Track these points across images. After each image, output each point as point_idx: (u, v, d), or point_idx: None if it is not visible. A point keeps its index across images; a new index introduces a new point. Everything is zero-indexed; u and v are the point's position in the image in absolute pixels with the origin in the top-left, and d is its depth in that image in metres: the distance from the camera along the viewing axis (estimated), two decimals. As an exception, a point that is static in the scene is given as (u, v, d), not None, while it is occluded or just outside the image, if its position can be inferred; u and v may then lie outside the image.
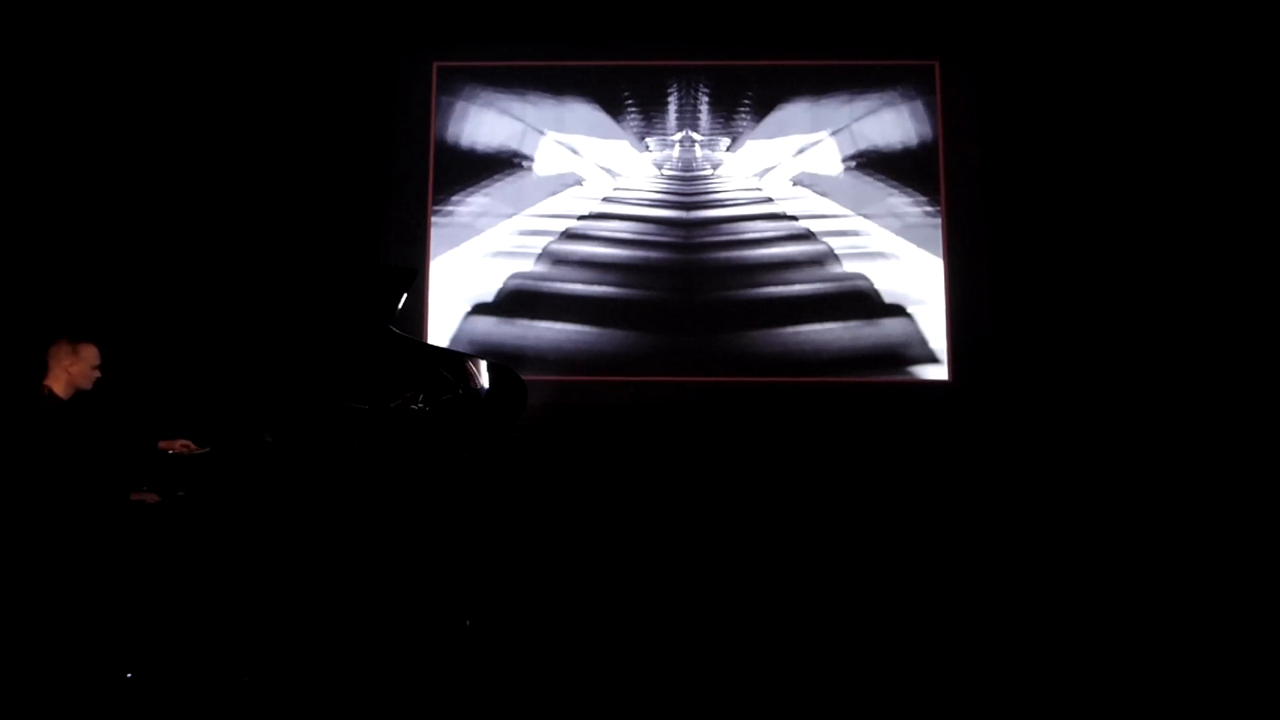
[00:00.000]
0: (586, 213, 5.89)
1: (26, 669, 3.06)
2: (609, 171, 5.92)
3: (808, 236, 5.84)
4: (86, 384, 3.33)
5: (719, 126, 5.93)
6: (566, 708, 3.29)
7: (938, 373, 5.71)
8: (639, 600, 4.41)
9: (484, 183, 5.88)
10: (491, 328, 5.78)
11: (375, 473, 3.80)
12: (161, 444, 3.57)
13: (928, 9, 5.84)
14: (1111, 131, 5.61)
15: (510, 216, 5.87)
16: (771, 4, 5.84)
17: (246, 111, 5.63)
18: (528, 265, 5.83)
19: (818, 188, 5.88)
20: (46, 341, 3.34)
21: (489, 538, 4.65)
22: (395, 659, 3.59)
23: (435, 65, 5.94)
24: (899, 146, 5.86)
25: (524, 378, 4.38)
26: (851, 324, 5.75)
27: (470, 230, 5.86)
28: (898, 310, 5.76)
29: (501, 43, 5.92)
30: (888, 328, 5.75)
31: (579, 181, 5.92)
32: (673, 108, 5.94)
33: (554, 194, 5.90)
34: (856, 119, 5.90)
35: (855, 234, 5.83)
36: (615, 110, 5.93)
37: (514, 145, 5.91)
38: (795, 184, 5.89)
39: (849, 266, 5.80)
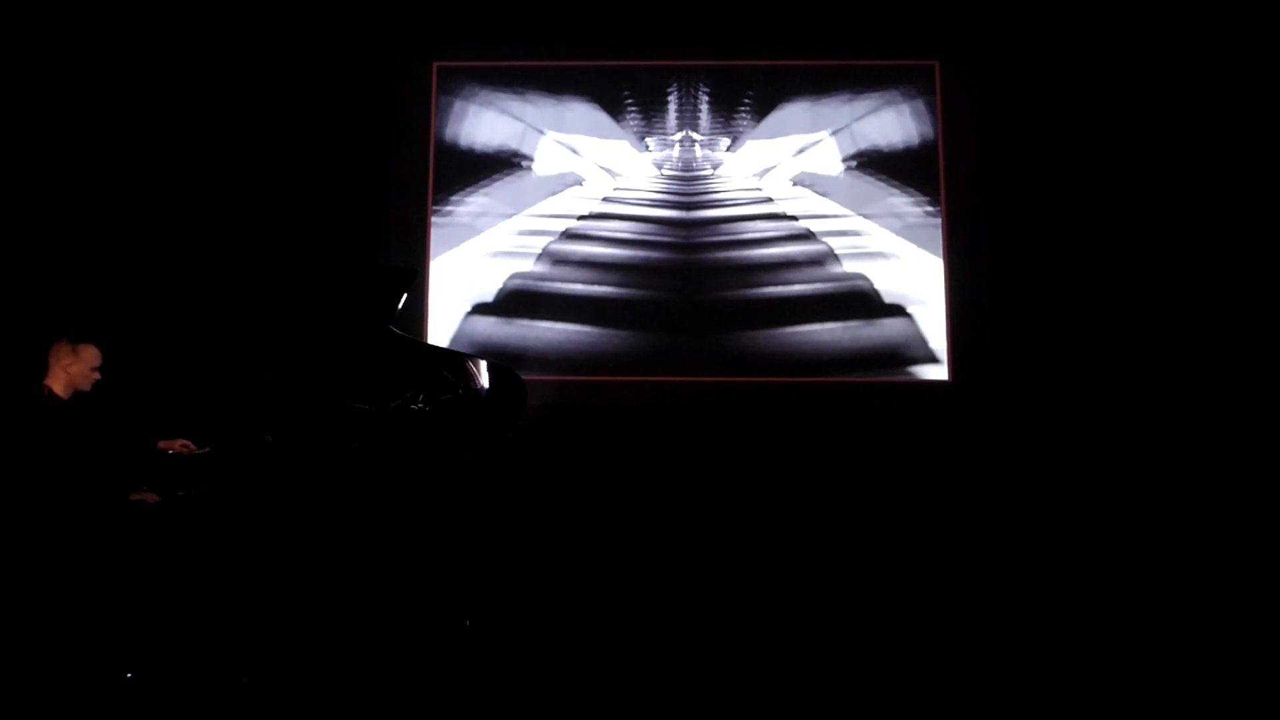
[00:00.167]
0: (586, 213, 5.89)
1: (26, 669, 3.06)
2: (609, 171, 5.92)
3: (808, 236, 5.84)
4: (85, 385, 3.33)
5: (719, 126, 5.93)
6: (566, 708, 3.29)
7: (938, 373, 5.71)
8: (639, 600, 4.41)
9: (484, 183, 5.88)
10: (491, 328, 5.78)
11: (375, 473, 3.80)
12: (161, 444, 3.57)
13: (928, 9, 5.84)
14: (1111, 131, 5.61)
15: (510, 216, 5.87)
16: (771, 4, 5.84)
17: (247, 112, 5.63)
18: (528, 265, 5.83)
19: (818, 188, 5.88)
20: (47, 341, 3.34)
21: (489, 538, 4.65)
22: (395, 659, 3.58)
23: (435, 65, 5.94)
24: (899, 146, 5.86)
25: (524, 378, 4.39)
26: (851, 324, 5.75)
27: (470, 230, 5.86)
28: (898, 310, 5.76)
29: (501, 43, 5.93)
30: (888, 328, 5.75)
31: (579, 181, 5.92)
32: (673, 108, 5.94)
33: (554, 194, 5.90)
34: (857, 119, 5.90)
35: (855, 234, 5.83)
36: (615, 110, 5.93)
37: (514, 145, 5.91)
38: (795, 184, 5.89)
39: (849, 266, 5.80)
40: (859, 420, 5.62)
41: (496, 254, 5.84)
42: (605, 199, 5.91)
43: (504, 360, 5.13)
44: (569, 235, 5.86)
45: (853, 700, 3.35)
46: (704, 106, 5.93)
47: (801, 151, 5.90)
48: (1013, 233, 5.68)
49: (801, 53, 5.93)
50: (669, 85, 5.94)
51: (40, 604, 3.08)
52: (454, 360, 4.29)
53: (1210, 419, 5.25)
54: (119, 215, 5.45)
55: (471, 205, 5.87)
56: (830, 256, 5.81)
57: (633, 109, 5.93)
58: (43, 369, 3.30)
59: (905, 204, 5.83)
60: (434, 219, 5.85)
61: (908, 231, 5.81)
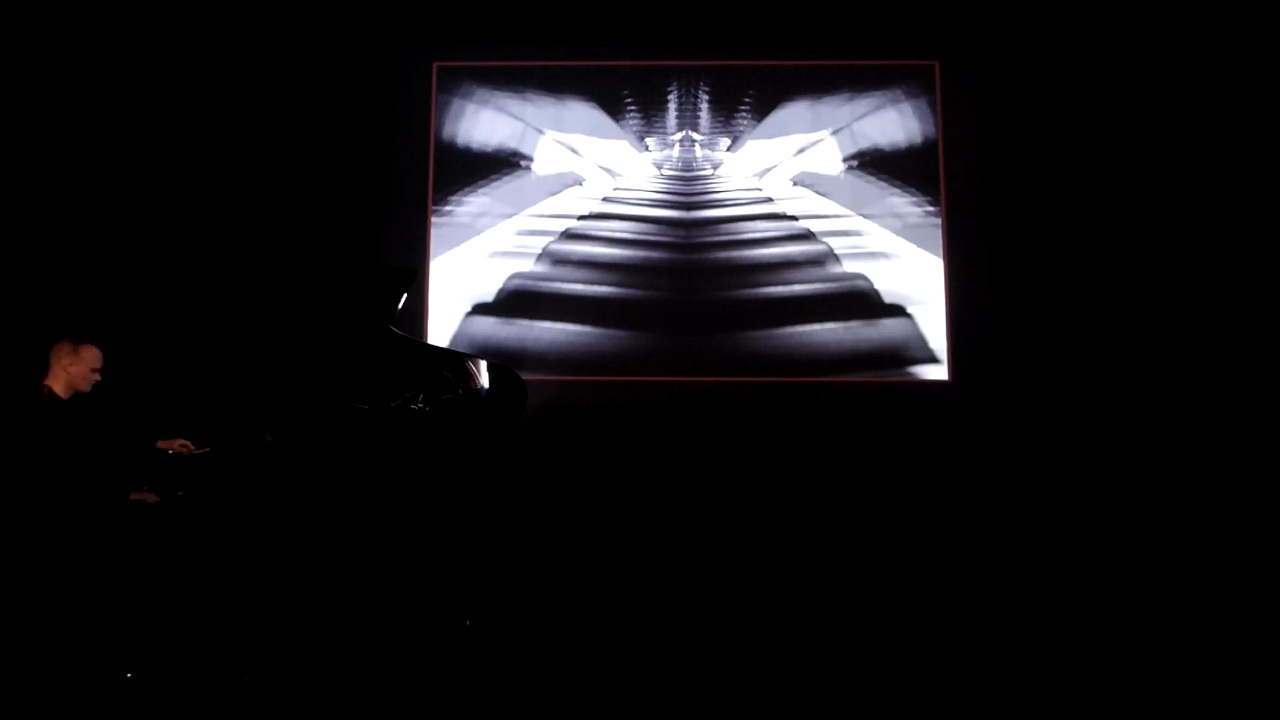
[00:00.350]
0: (586, 213, 5.89)
1: (26, 669, 3.06)
2: (609, 171, 5.92)
3: (808, 236, 5.84)
4: (85, 386, 3.33)
5: (719, 126, 5.93)
6: (566, 708, 3.29)
7: (938, 373, 5.71)
8: (639, 600, 4.41)
9: (484, 183, 5.88)
10: (491, 328, 5.78)
11: (375, 473, 3.80)
12: (161, 444, 3.57)
13: (928, 9, 5.84)
14: (1112, 131, 5.61)
15: (510, 216, 5.87)
16: (771, 4, 5.84)
17: (247, 112, 5.63)
18: (528, 265, 5.83)
19: (818, 188, 5.88)
20: (48, 341, 3.34)
21: (489, 538, 4.65)
22: (395, 659, 3.58)
23: (435, 65, 5.94)
24: (900, 145, 5.86)
25: (524, 378, 4.38)
26: (851, 324, 5.75)
27: (470, 230, 5.86)
28: (898, 310, 5.76)
29: (501, 43, 5.93)
30: (888, 328, 5.75)
31: (579, 181, 5.92)
32: (673, 108, 5.94)
33: (554, 194, 5.90)
34: (857, 118, 5.90)
35: (855, 234, 5.83)
36: (615, 110, 5.93)
37: (514, 145, 5.91)
38: (795, 184, 5.89)
39: (849, 266, 5.80)
40: (859, 420, 5.62)
41: (496, 254, 5.84)
42: (605, 199, 5.91)
43: (504, 360, 5.13)
44: (569, 235, 5.86)
45: (853, 700, 3.34)
46: (704, 106, 5.93)
47: (801, 151, 5.90)
48: (1013, 233, 5.68)
49: (801, 53, 5.93)
50: (669, 85, 5.94)
51: (40, 604, 3.08)
52: (454, 360, 4.29)
53: (1210, 419, 5.25)
54: (119, 215, 5.45)
55: (471, 205, 5.87)
56: (830, 256, 5.81)
57: (633, 109, 5.93)
58: (43, 369, 3.30)
59: (905, 204, 5.83)
60: (434, 219, 5.85)
61: (908, 231, 5.81)
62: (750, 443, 5.58)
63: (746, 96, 5.93)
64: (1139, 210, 5.54)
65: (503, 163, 5.90)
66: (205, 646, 3.37)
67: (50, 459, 3.15)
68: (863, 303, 5.77)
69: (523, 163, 5.91)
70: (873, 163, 5.86)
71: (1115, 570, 4.67)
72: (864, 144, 5.87)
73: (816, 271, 5.80)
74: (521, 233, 5.86)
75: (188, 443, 3.61)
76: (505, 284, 5.81)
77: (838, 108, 5.90)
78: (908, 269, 5.78)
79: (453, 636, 3.80)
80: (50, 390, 3.26)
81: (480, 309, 5.80)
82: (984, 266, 5.73)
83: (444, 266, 5.83)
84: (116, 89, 5.48)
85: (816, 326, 5.74)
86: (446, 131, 5.91)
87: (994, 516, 5.26)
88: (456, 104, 5.92)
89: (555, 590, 4.54)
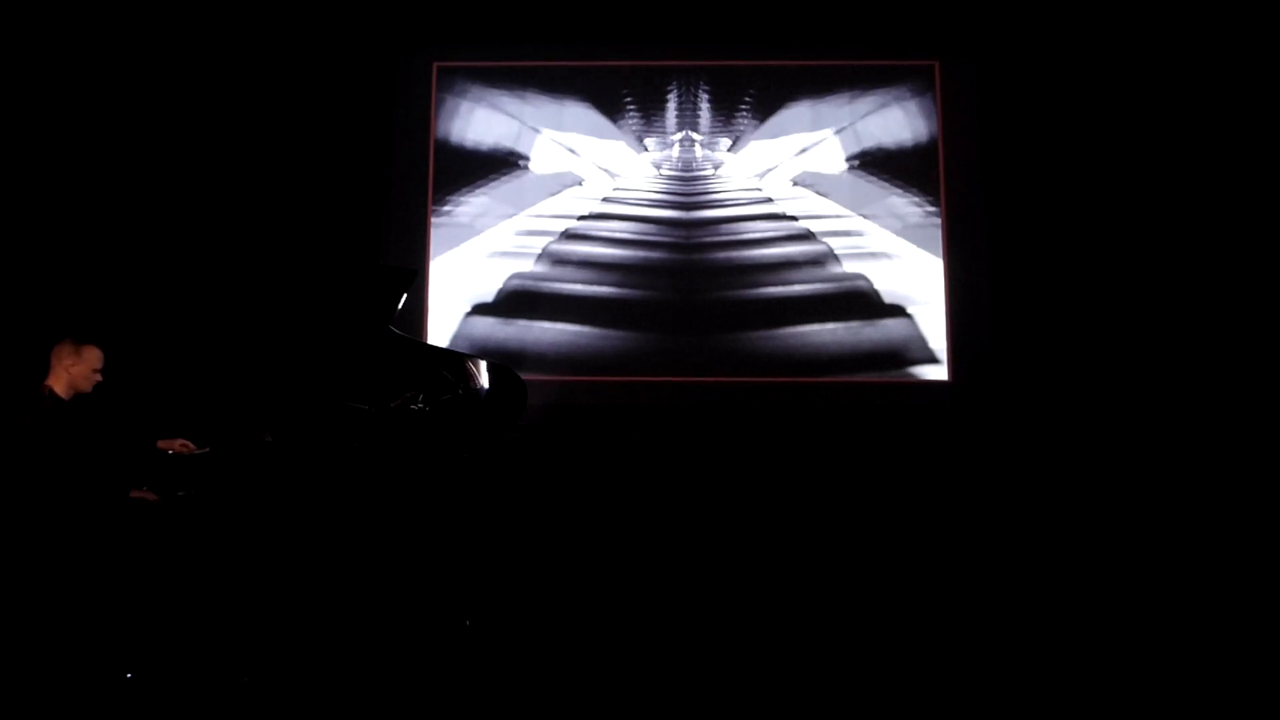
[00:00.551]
0: (586, 213, 5.89)
1: (27, 669, 3.06)
2: (608, 172, 5.92)
3: (808, 237, 5.84)
4: (86, 386, 3.33)
5: (719, 126, 5.93)
6: (566, 708, 3.29)
7: (938, 373, 5.71)
8: (639, 600, 4.41)
9: (484, 183, 5.88)
10: (491, 328, 5.78)
11: (375, 473, 3.80)
12: (161, 443, 3.57)
13: (928, 9, 5.84)
14: (1111, 132, 5.61)
15: (510, 216, 5.87)
16: (771, 4, 5.84)
17: (247, 113, 5.63)
18: (528, 265, 5.83)
19: (818, 188, 5.88)
20: (48, 342, 3.34)
21: (489, 538, 4.65)
22: (395, 659, 3.58)
23: (435, 65, 5.94)
24: (902, 143, 5.86)
25: (524, 378, 4.38)
26: (851, 324, 5.75)
27: (470, 230, 5.86)
28: (898, 310, 5.76)
29: (501, 43, 5.93)
30: (888, 328, 5.75)
31: (578, 181, 5.92)
32: (672, 108, 5.94)
33: (554, 194, 5.90)
34: (858, 117, 5.90)
35: (855, 234, 5.83)
36: (614, 110, 5.93)
37: (513, 145, 5.91)
38: (795, 184, 5.89)
39: (849, 266, 5.80)
40: (859, 420, 5.62)
41: (496, 254, 5.84)
42: (605, 199, 5.91)
43: (504, 360, 5.13)
44: (569, 235, 5.86)
45: (852, 700, 3.35)
46: (704, 106, 5.93)
47: (802, 151, 5.90)
48: (1013, 233, 5.68)
49: (801, 53, 5.93)
50: (669, 85, 5.95)
51: (41, 604, 3.08)
52: (454, 360, 4.29)
53: (1210, 419, 5.25)
54: (120, 215, 5.45)
55: (471, 205, 5.87)
56: (830, 256, 5.81)
57: (632, 109, 5.93)
58: (43, 369, 3.30)
59: (905, 204, 5.83)
60: (434, 219, 5.85)
61: (908, 231, 5.82)
62: (750, 443, 5.58)
63: (746, 96, 5.93)
64: (1139, 210, 5.54)
65: (503, 162, 5.90)
66: (205, 646, 3.37)
67: (52, 459, 3.15)
68: (863, 303, 5.77)
69: (522, 162, 5.91)
70: (874, 162, 5.86)
71: (1115, 570, 4.67)
72: (866, 143, 5.87)
73: (816, 271, 5.80)
74: (521, 233, 5.86)
75: (188, 443, 3.61)
76: (505, 284, 5.82)
77: (839, 107, 5.90)
78: (908, 269, 5.79)
79: (452, 637, 3.79)
80: (51, 390, 3.26)
81: (480, 309, 5.81)
82: (984, 266, 5.73)
83: (444, 266, 5.83)
84: (116, 89, 5.48)
85: (816, 326, 5.74)
86: (446, 131, 5.91)
87: (993, 516, 5.26)
88: (456, 104, 5.92)
89: (555, 591, 4.54)
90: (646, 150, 5.93)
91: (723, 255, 5.83)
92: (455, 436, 4.05)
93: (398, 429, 3.94)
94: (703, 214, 5.87)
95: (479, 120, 5.92)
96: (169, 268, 5.46)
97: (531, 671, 3.56)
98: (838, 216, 5.85)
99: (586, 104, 5.93)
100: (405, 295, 4.22)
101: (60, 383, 3.29)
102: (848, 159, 5.88)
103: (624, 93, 5.94)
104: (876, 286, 5.78)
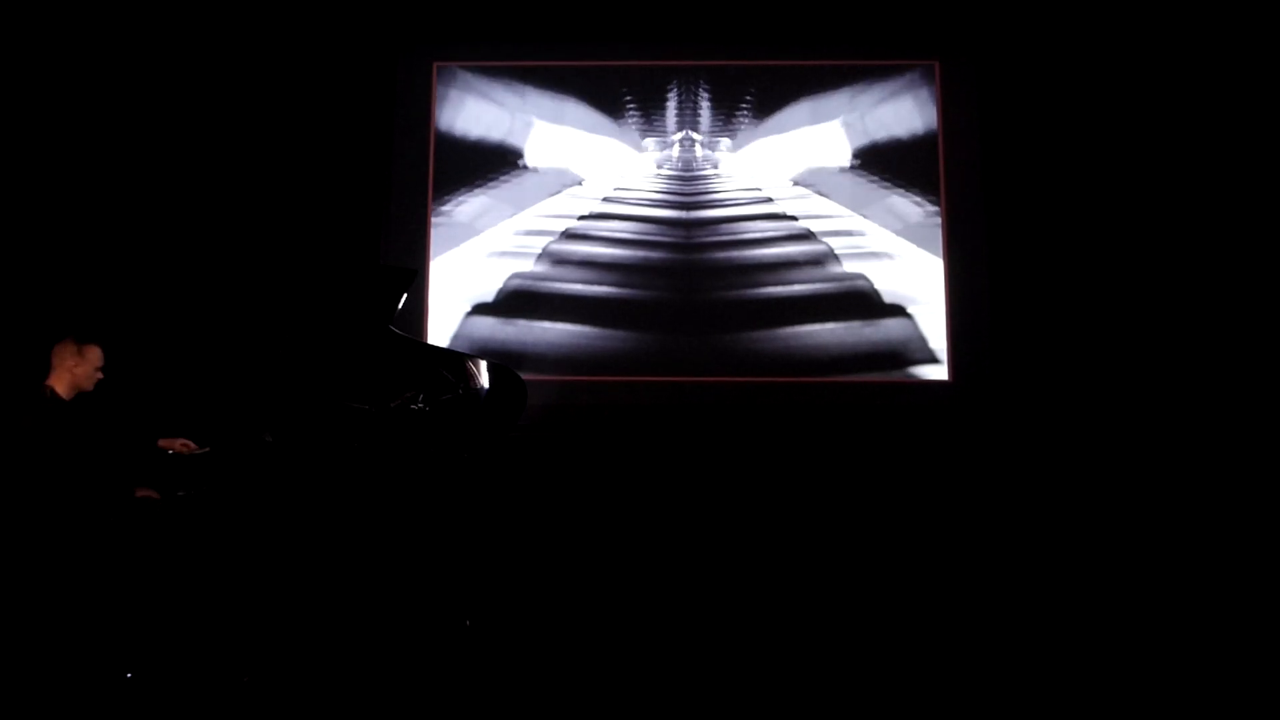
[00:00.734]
0: (586, 213, 5.89)
1: (27, 668, 3.06)
2: (609, 171, 5.92)
3: (808, 236, 5.84)
4: (89, 385, 3.34)
5: (719, 126, 5.93)
6: (566, 708, 3.29)
7: (938, 373, 5.71)
8: (639, 600, 4.41)
9: (484, 182, 5.88)
10: (491, 328, 5.78)
11: (375, 473, 3.80)
12: (161, 442, 3.57)
13: (928, 9, 5.84)
14: (1112, 133, 5.61)
15: (510, 216, 5.87)
16: (772, 4, 5.84)
17: (247, 113, 5.63)
18: (528, 265, 5.83)
19: (818, 188, 5.88)
20: (47, 341, 3.34)
21: (489, 538, 4.65)
22: (395, 659, 3.58)
23: (435, 65, 5.94)
24: (903, 138, 5.85)
25: (524, 378, 4.38)
26: (851, 324, 5.75)
27: (470, 230, 5.86)
28: (898, 310, 5.76)
29: (501, 42, 5.93)
30: (888, 328, 5.75)
31: (579, 181, 5.92)
32: (672, 108, 5.94)
33: (554, 194, 5.90)
34: (859, 116, 5.90)
35: (855, 234, 5.83)
36: (615, 110, 5.93)
37: (514, 144, 5.91)
38: (796, 184, 5.89)
39: (849, 266, 5.80)
40: (859, 420, 5.62)
41: (496, 254, 5.84)
42: (605, 199, 5.91)
43: (504, 360, 5.13)
44: (569, 235, 5.86)
45: (852, 700, 3.35)
46: (704, 106, 5.93)
47: (802, 151, 5.90)
48: (1013, 233, 5.68)
49: (801, 53, 5.93)
50: (669, 85, 5.94)
51: (42, 604, 3.08)
52: (454, 360, 4.29)
53: (1211, 419, 5.25)
54: (120, 215, 5.45)
55: (471, 205, 5.87)
56: (830, 256, 5.81)
57: (632, 109, 5.93)
58: (44, 369, 3.30)
59: (905, 204, 5.83)
60: (434, 219, 5.85)
61: (908, 231, 5.81)
62: (750, 443, 5.58)
63: (747, 96, 5.93)
64: (1139, 211, 5.54)
65: (503, 162, 5.90)
66: (205, 646, 3.37)
67: (56, 459, 3.15)
68: (863, 303, 5.77)
69: (522, 162, 5.91)
70: (874, 160, 5.85)
71: (1115, 570, 4.67)
72: (866, 140, 5.86)
73: (816, 271, 5.80)
74: (521, 233, 5.86)
75: (189, 442, 3.61)
76: (505, 284, 5.81)
77: (839, 107, 5.90)
78: (908, 269, 5.78)
79: (452, 637, 3.80)
80: (52, 390, 3.26)
81: (480, 309, 5.80)
82: (984, 266, 5.73)
83: (444, 266, 5.83)
84: (116, 89, 5.47)
85: (816, 326, 5.74)
86: (446, 131, 5.90)
87: (994, 516, 5.26)
88: (456, 104, 5.92)
89: (555, 591, 4.54)
90: (648, 150, 5.93)
91: (723, 255, 5.82)
92: (455, 436, 4.05)
93: (398, 429, 3.94)
94: (703, 214, 5.87)
95: (479, 120, 5.92)
96: (169, 268, 5.46)
97: (531, 671, 3.56)
98: (838, 216, 5.85)
99: (586, 103, 5.93)
100: (405, 295, 4.22)
101: (62, 383, 3.29)
102: (849, 155, 5.87)
103: (624, 92, 5.94)
104: (876, 286, 5.78)
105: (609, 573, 4.81)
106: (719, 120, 5.93)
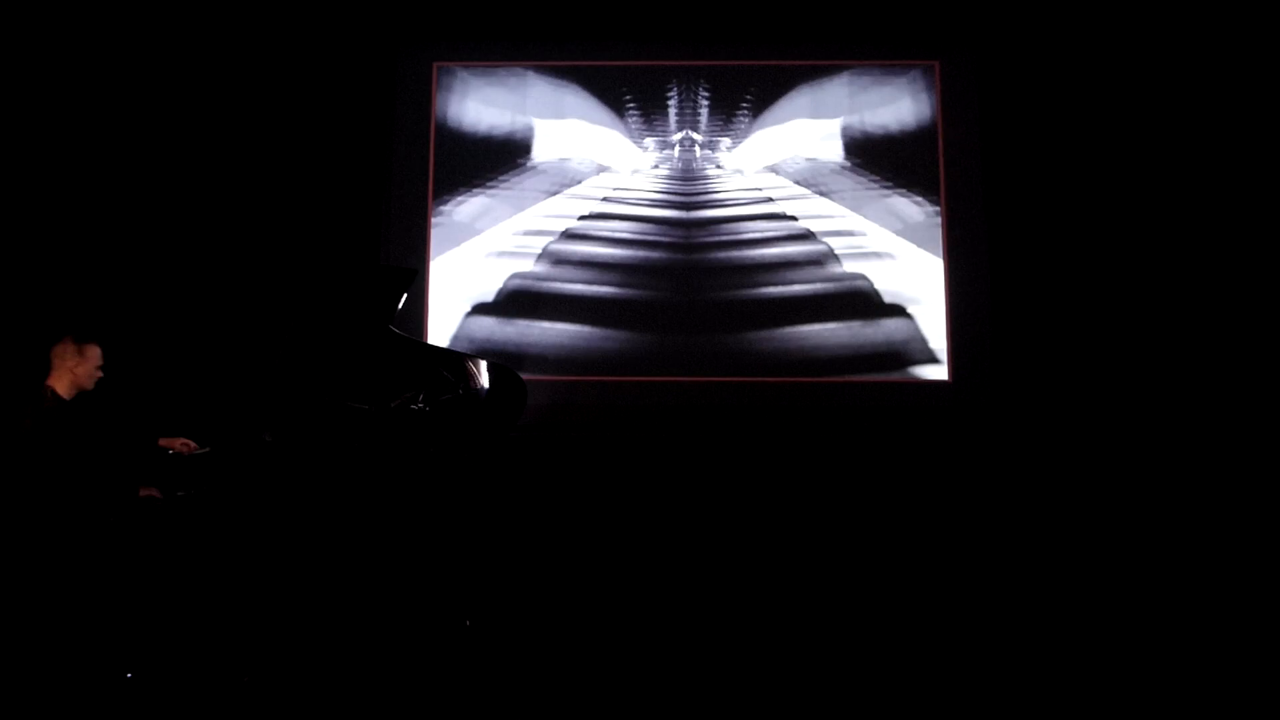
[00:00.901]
0: (586, 213, 5.89)
1: (27, 668, 3.06)
2: (609, 171, 5.92)
3: (808, 236, 5.84)
4: (89, 384, 3.35)
5: (719, 126, 5.93)
6: (566, 708, 3.29)
7: (938, 373, 5.71)
8: (639, 600, 4.41)
9: (484, 182, 5.88)
10: (491, 328, 5.78)
11: (375, 473, 3.80)
12: (162, 442, 3.57)
13: (928, 9, 5.84)
14: (1112, 133, 5.61)
15: (510, 217, 5.87)
16: (772, 5, 5.84)
17: (247, 113, 5.63)
18: (528, 265, 5.83)
19: (819, 188, 5.88)
20: (47, 341, 3.34)
21: (489, 538, 4.65)
22: (395, 659, 3.59)
23: (435, 65, 5.94)
24: (903, 138, 5.85)
25: (524, 378, 4.39)
26: (851, 324, 5.75)
27: (470, 230, 5.86)
28: (898, 310, 5.76)
29: (501, 42, 5.93)
30: (888, 328, 5.75)
31: (579, 181, 5.92)
32: (673, 108, 5.94)
33: (553, 194, 5.90)
34: (859, 116, 5.90)
35: (855, 234, 5.83)
36: (615, 110, 5.93)
37: (514, 145, 5.91)
38: (795, 184, 5.89)
39: (849, 266, 5.80)
40: (859, 420, 5.62)
41: (496, 254, 5.84)
42: (605, 199, 5.91)
43: (504, 360, 5.13)
44: (569, 235, 5.86)
45: (852, 701, 3.35)
46: (704, 106, 5.93)
47: (803, 151, 5.90)
48: (1013, 232, 5.68)
49: (802, 53, 5.93)
50: (669, 85, 5.94)
51: (42, 604, 3.09)
52: (454, 360, 4.29)
53: (1211, 419, 5.25)
54: (120, 215, 5.45)
55: (471, 205, 5.87)
56: (830, 256, 5.82)
57: (632, 109, 5.93)
58: (44, 369, 3.30)
59: (905, 204, 5.83)
60: (434, 219, 5.85)
61: (908, 231, 5.81)
62: (750, 443, 5.59)
63: (746, 96, 5.93)
64: (1139, 211, 5.54)
65: (503, 162, 5.90)
66: (205, 646, 3.37)
67: (58, 459, 3.15)
68: (863, 303, 5.77)
69: (522, 161, 5.91)
70: (874, 158, 5.85)
71: (1115, 571, 4.67)
72: (870, 137, 5.85)
73: (816, 271, 5.80)
74: (521, 233, 5.86)
75: (189, 442, 3.61)
76: (505, 284, 5.82)
77: (839, 107, 5.90)
78: (908, 269, 5.78)
79: (452, 637, 3.80)
80: (53, 390, 3.27)
81: (480, 309, 5.81)
82: (984, 266, 5.73)
83: (444, 266, 5.83)
84: (116, 88, 5.48)
85: (816, 326, 5.74)
86: (446, 131, 5.91)
87: (994, 517, 5.26)
88: (456, 104, 5.92)
89: (555, 591, 4.54)
90: (648, 150, 5.93)
91: (723, 255, 5.83)
92: (455, 436, 4.05)
93: (398, 429, 3.94)
94: (703, 214, 5.87)
95: (479, 120, 5.92)
96: (169, 268, 5.46)
97: (531, 671, 3.56)
98: (838, 216, 5.85)
99: (586, 103, 5.93)
100: (405, 295, 4.22)
101: (63, 382, 3.29)
102: (849, 154, 5.87)
103: (624, 92, 5.94)
104: (877, 286, 5.78)
105: (609, 573, 4.81)
106: (719, 120, 5.93)
